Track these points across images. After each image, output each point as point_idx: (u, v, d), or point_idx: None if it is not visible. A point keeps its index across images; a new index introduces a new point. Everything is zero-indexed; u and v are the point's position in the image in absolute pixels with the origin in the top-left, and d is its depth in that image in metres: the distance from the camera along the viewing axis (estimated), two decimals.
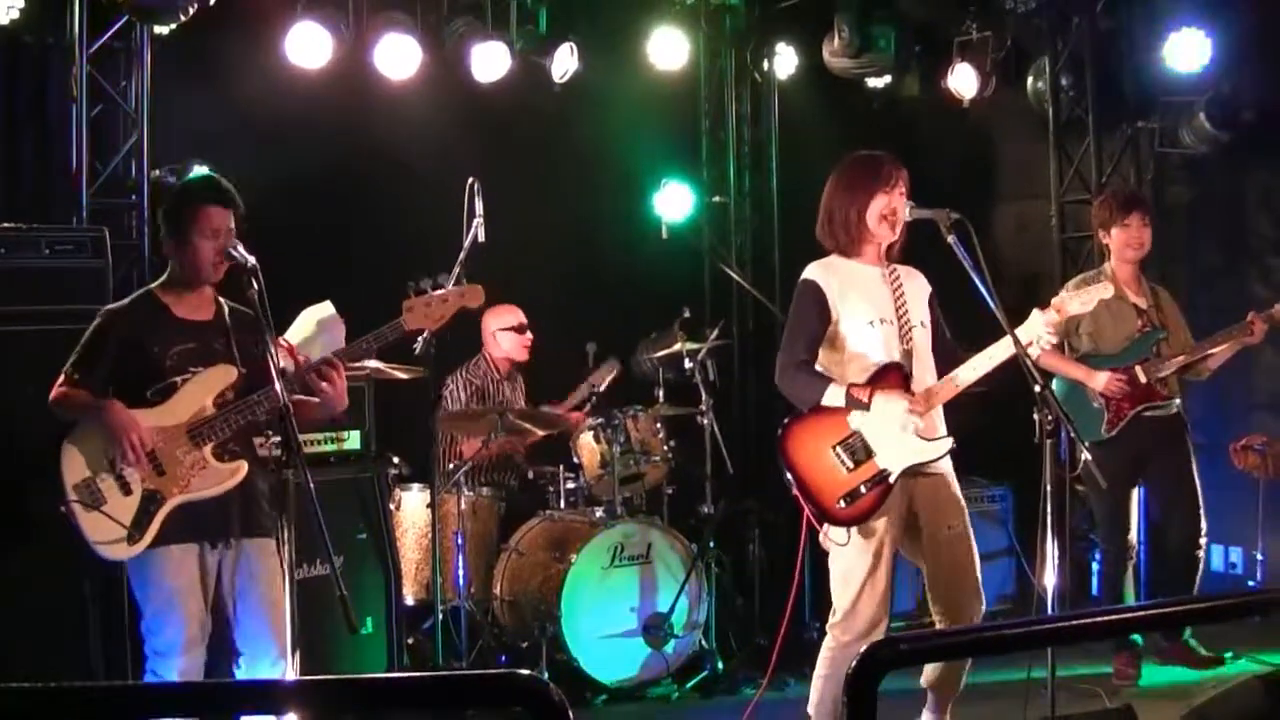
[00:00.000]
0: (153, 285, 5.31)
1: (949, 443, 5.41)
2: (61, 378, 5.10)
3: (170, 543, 5.04)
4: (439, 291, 5.28)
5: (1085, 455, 5.32)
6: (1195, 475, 7.16)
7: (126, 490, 4.99)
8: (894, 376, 5.36)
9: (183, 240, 5.13)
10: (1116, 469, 6.57)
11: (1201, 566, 7.17)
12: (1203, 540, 7.12)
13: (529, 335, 8.29)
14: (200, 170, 5.41)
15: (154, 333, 5.13)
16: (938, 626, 5.58)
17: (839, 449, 5.33)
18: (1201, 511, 7.11)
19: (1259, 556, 8.29)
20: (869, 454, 5.32)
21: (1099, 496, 7.08)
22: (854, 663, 2.59)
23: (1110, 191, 7.94)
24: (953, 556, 5.44)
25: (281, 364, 4.99)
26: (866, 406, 5.27)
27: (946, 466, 5.50)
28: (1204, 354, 7.02)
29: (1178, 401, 7.13)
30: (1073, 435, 5.34)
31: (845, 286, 5.45)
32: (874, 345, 5.40)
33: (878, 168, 5.49)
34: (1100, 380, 6.92)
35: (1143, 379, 6.96)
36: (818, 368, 5.44)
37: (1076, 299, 5.50)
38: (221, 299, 5.33)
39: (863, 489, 5.30)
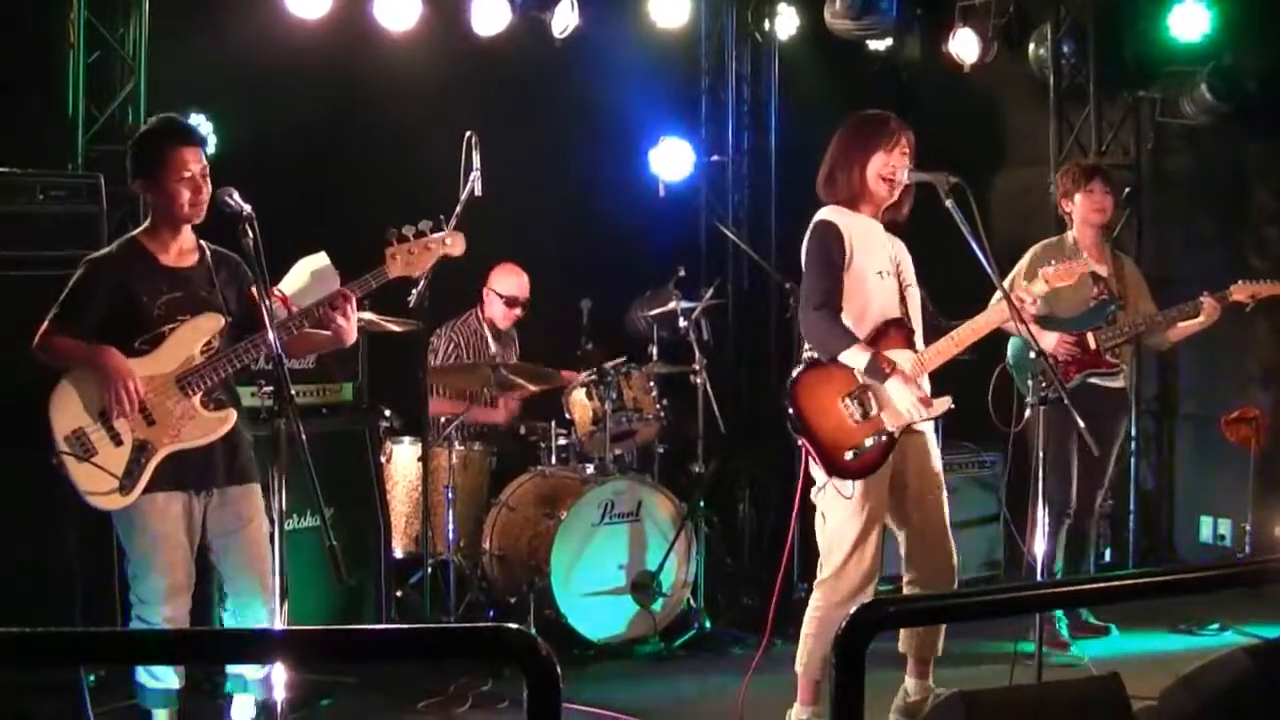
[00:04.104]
0: (135, 232, 5.29)
1: (948, 402, 5.43)
2: (46, 325, 5.07)
3: (156, 490, 5.06)
4: (421, 239, 5.22)
5: (1080, 424, 5.32)
6: (1113, 456, 7.17)
7: (117, 441, 5.00)
8: (897, 333, 5.40)
9: (156, 183, 5.13)
10: (1056, 429, 6.48)
11: (1088, 545, 7.23)
12: (1091, 520, 7.17)
13: (519, 311, 8.26)
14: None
15: (142, 281, 5.12)
16: (906, 589, 5.60)
17: (848, 400, 5.34)
18: (1100, 493, 7.12)
19: (1247, 528, 8.31)
20: (876, 408, 5.33)
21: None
22: (842, 625, 2.59)
23: (1072, 161, 7.90)
24: (936, 517, 5.50)
25: (275, 313, 4.98)
26: (884, 379, 5.28)
27: (929, 427, 5.55)
28: (1151, 329, 7.03)
29: (1125, 372, 7.12)
30: (1064, 398, 5.37)
31: (856, 233, 5.46)
32: (880, 296, 5.43)
33: (881, 126, 5.50)
34: (1048, 341, 6.85)
35: (1092, 345, 6.95)
36: None
37: (1059, 270, 5.55)
38: (204, 242, 5.32)
39: (868, 443, 5.31)
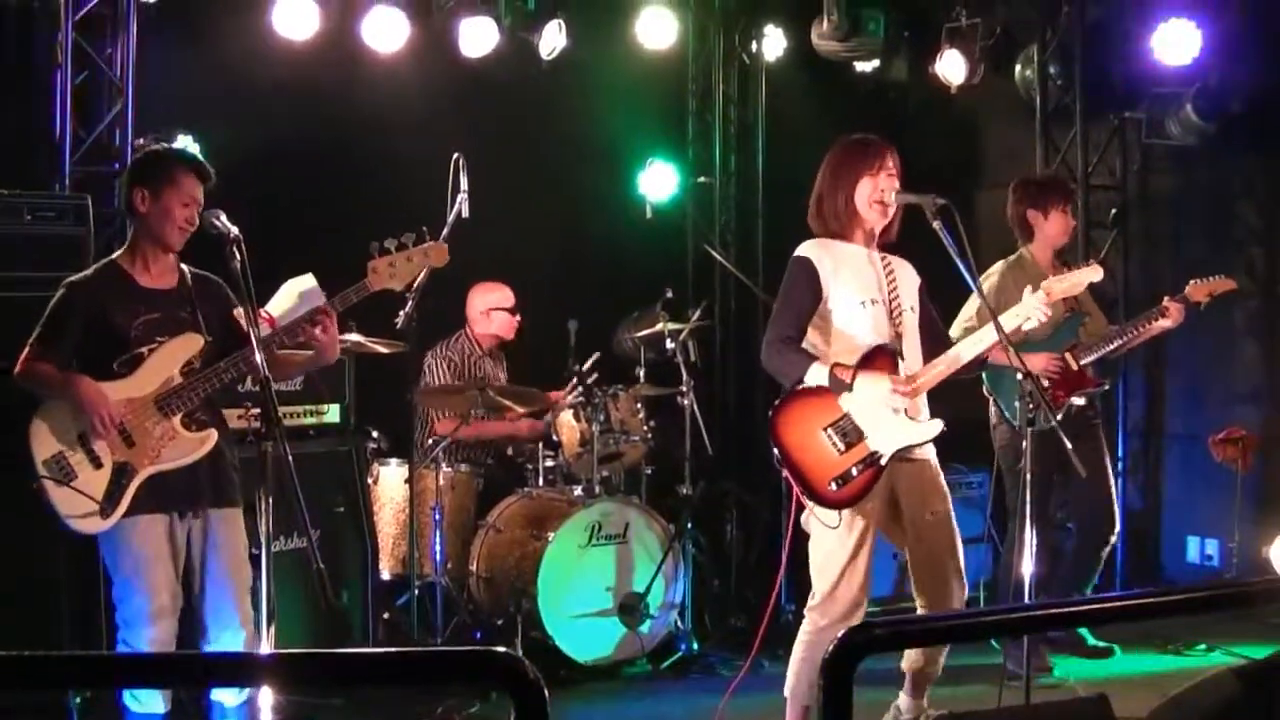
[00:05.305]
0: (115, 255, 5.29)
1: (939, 424, 5.37)
2: (26, 351, 5.08)
3: (139, 513, 5.04)
4: (403, 251, 5.21)
5: (1068, 446, 5.29)
6: (1109, 471, 7.14)
7: (97, 464, 4.99)
8: (883, 359, 5.33)
9: (156, 197, 5.12)
10: (1040, 459, 6.37)
11: (1101, 568, 7.16)
12: (1112, 539, 7.09)
13: (518, 316, 8.27)
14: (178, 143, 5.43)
15: (118, 303, 5.12)
16: (919, 611, 5.57)
17: (830, 431, 5.28)
18: (1115, 509, 7.06)
19: (1234, 548, 8.31)
20: (860, 436, 5.26)
21: (1015, 485, 6.93)
22: (830, 647, 2.57)
23: (1043, 176, 7.76)
24: (934, 542, 5.42)
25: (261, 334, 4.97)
26: (849, 387, 5.24)
27: (929, 452, 5.47)
28: (1126, 340, 6.99)
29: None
30: (1054, 422, 5.35)
31: (838, 265, 5.40)
32: (864, 326, 5.35)
33: (865, 151, 5.44)
34: (1037, 363, 6.68)
35: (1074, 366, 6.90)
36: (806, 346, 5.41)
37: (1064, 282, 5.51)
38: (184, 265, 5.32)
39: (854, 471, 5.25)
